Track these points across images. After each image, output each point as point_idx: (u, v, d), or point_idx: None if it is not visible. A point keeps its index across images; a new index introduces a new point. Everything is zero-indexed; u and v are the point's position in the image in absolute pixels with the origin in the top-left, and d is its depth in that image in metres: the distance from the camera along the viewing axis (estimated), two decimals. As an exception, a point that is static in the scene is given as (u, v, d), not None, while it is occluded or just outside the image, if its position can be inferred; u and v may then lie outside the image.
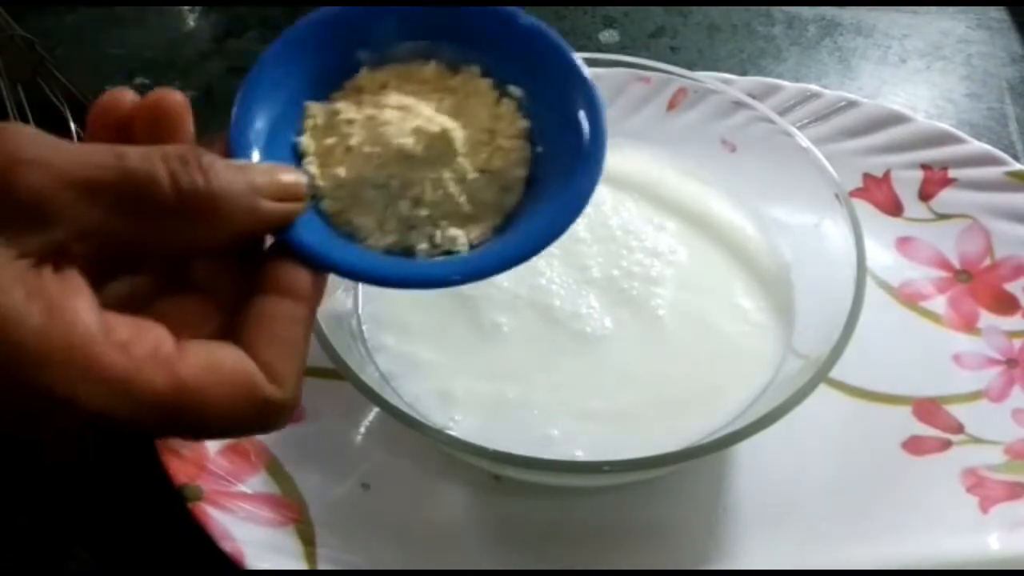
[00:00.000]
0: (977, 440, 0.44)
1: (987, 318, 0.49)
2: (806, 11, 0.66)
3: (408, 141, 0.30)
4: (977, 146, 0.53)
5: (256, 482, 0.42)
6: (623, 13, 0.66)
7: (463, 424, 0.41)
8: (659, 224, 0.48)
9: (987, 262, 0.50)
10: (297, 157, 0.31)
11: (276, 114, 0.30)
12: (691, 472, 0.43)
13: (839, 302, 0.41)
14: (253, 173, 0.27)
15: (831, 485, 0.43)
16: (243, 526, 0.40)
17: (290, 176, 0.28)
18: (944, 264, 0.51)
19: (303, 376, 0.28)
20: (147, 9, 0.67)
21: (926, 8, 0.66)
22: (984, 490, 0.43)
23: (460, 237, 0.31)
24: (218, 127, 0.29)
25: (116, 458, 0.44)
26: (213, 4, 0.67)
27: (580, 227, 0.46)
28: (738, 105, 0.48)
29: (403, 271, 0.30)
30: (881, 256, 0.50)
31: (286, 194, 0.28)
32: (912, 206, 0.53)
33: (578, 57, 0.32)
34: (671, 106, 0.50)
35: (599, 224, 0.46)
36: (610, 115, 0.31)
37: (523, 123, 0.32)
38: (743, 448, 0.42)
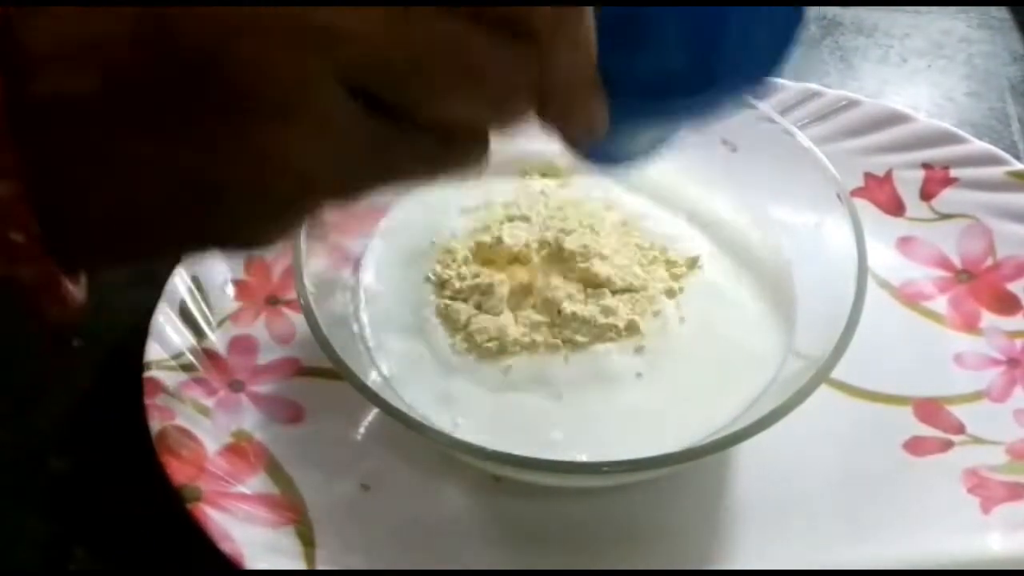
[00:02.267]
0: (978, 440, 0.44)
1: (989, 318, 0.48)
2: (807, 10, 0.66)
3: None
4: (979, 146, 0.53)
5: (255, 483, 0.42)
6: (624, 12, 0.65)
7: (464, 426, 0.41)
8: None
9: (989, 262, 0.50)
10: None
11: None
12: (691, 473, 0.43)
13: (840, 302, 0.41)
14: None
15: (832, 486, 0.43)
16: (242, 527, 0.40)
17: None
18: (946, 264, 0.50)
19: None
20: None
21: (927, 7, 0.66)
22: (985, 490, 0.42)
23: None
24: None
25: (116, 458, 0.44)
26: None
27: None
28: (739, 104, 0.48)
29: None
30: (882, 256, 0.50)
31: None
32: (913, 206, 0.52)
33: None
34: (672, 106, 0.50)
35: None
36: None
37: None
38: (744, 449, 0.42)
